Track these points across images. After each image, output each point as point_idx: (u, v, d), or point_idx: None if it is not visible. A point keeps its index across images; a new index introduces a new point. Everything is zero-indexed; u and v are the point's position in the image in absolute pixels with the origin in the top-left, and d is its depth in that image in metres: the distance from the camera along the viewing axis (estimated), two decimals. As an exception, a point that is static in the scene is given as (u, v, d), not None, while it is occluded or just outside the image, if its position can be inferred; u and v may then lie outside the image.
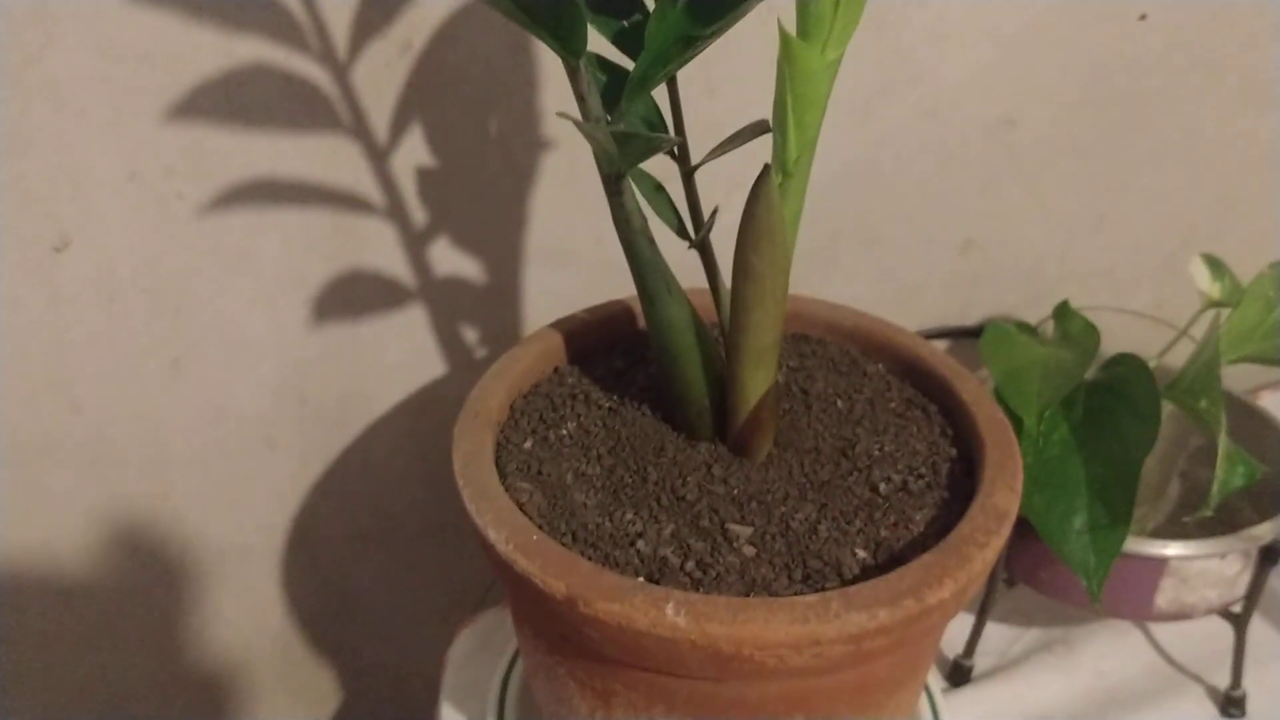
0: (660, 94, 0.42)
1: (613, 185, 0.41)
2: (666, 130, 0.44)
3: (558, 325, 0.53)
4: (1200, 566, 0.51)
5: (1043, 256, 0.71)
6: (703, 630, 0.36)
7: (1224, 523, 0.54)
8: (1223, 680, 0.57)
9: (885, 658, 0.40)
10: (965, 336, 0.71)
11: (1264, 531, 0.51)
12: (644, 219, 0.43)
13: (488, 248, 0.60)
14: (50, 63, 0.47)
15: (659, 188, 0.46)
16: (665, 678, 0.40)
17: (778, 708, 0.41)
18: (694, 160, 0.43)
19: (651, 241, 0.43)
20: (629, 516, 0.42)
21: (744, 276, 0.41)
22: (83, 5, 0.46)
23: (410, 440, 0.64)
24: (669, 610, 0.36)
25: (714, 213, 0.45)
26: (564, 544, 0.41)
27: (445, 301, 0.61)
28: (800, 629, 0.36)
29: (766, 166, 0.38)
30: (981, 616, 0.58)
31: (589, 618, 0.37)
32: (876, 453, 0.46)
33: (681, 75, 0.41)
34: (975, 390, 0.48)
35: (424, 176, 0.56)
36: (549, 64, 0.55)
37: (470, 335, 0.63)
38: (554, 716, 0.47)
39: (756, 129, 0.40)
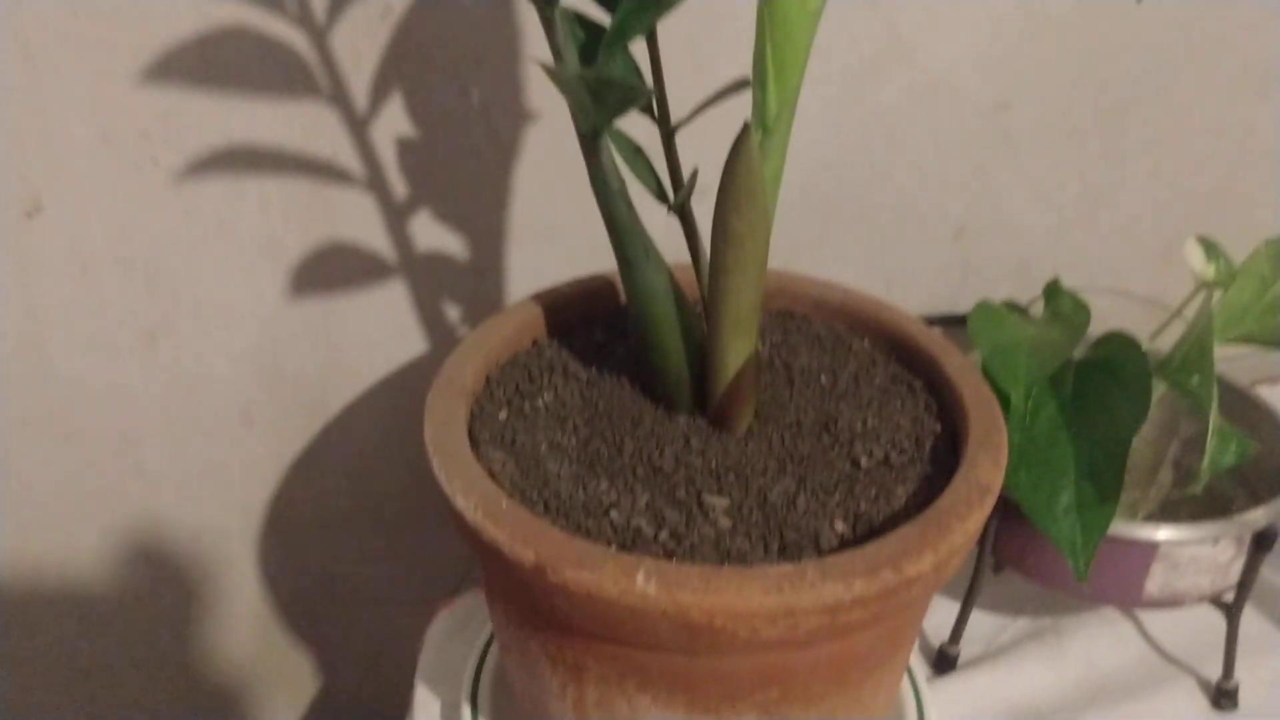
0: (642, 52, 0.41)
1: (590, 145, 0.40)
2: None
3: (537, 298, 0.52)
4: (1192, 552, 0.50)
5: (1036, 244, 0.70)
6: (674, 599, 0.35)
7: (1217, 508, 0.53)
8: (1215, 671, 0.56)
9: (863, 632, 0.39)
10: (957, 323, 0.70)
11: (1258, 517, 0.50)
12: (622, 181, 0.42)
13: (470, 221, 0.59)
14: (20, 19, 0.46)
15: (638, 150, 0.45)
16: (637, 651, 0.38)
17: (753, 683, 0.39)
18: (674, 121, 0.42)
19: (630, 205, 0.42)
20: (603, 486, 0.41)
21: (724, 239, 0.40)
22: (54, -40, 0.46)
23: (390, 417, 0.63)
24: (639, 578, 0.35)
25: (694, 174, 0.43)
26: (535, 513, 0.40)
27: (427, 276, 0.60)
28: (774, 599, 0.35)
29: (746, 124, 0.37)
30: (967, 603, 0.56)
31: (558, 586, 0.36)
32: (859, 427, 0.45)
33: (667, 53, 0.40)
34: (961, 366, 0.47)
35: (405, 146, 0.55)
36: (532, 30, 0.54)
37: (452, 311, 0.62)
38: (527, 694, 0.46)
39: (736, 85, 0.39)
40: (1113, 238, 0.72)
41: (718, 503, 0.41)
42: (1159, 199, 0.71)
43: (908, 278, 0.70)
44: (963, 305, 0.72)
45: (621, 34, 0.36)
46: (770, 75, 0.35)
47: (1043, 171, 0.68)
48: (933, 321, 0.69)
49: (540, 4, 0.36)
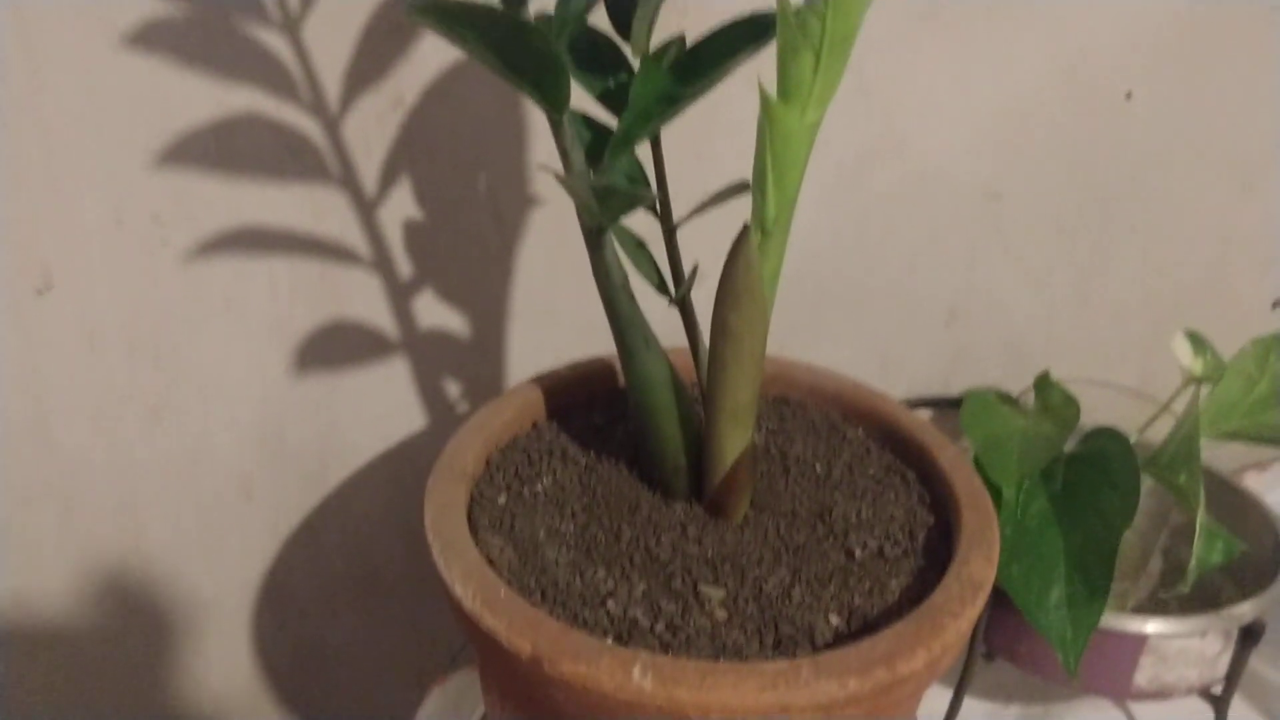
0: (645, 154, 0.43)
1: (594, 240, 0.41)
2: (649, 185, 0.45)
3: (538, 381, 0.52)
4: (1180, 645, 0.51)
5: (1027, 329, 0.72)
6: (670, 694, 0.35)
7: (1205, 600, 0.54)
8: (1204, 763, 0.56)
9: (856, 727, 0.39)
10: (949, 406, 0.71)
11: (1245, 611, 0.51)
12: (624, 274, 0.43)
13: (473, 302, 0.60)
14: (41, 106, 0.48)
15: (640, 244, 0.46)
16: (632, 742, 0.39)
17: (746, 776, 0.40)
18: (676, 219, 0.44)
19: (631, 297, 0.43)
20: (600, 575, 0.42)
21: (722, 334, 0.41)
22: (75, 50, 0.47)
23: (389, 492, 0.64)
24: (635, 673, 0.36)
25: (694, 270, 0.45)
26: (533, 602, 0.40)
27: (429, 354, 0.61)
28: (769, 695, 0.35)
29: (746, 225, 0.39)
30: (960, 691, 0.57)
31: (554, 679, 0.37)
32: (854, 518, 0.46)
33: (668, 138, 0.42)
34: (954, 458, 0.47)
35: (411, 229, 0.57)
36: (538, 122, 0.55)
37: (453, 388, 0.63)
38: (519, 781, 0.46)
39: (737, 188, 0.40)
40: (1102, 324, 0.73)
41: (714, 594, 0.41)
42: (1147, 288, 0.72)
43: (901, 360, 0.71)
44: (955, 387, 0.73)
45: (626, 140, 0.38)
46: (770, 182, 0.37)
47: (1033, 259, 0.69)
48: (926, 404, 0.71)
49: (548, 110, 0.37)
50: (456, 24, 0.32)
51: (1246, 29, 0.66)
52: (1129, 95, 0.65)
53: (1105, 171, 0.67)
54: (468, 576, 0.40)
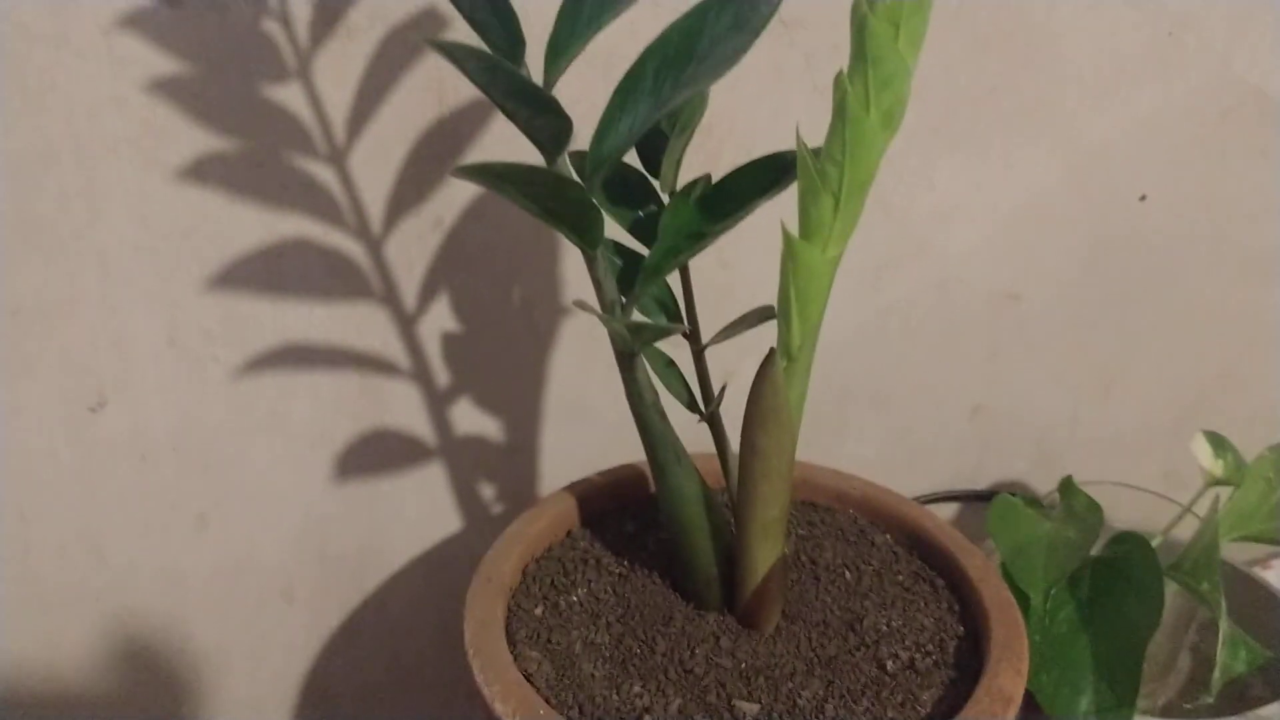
0: (674, 275, 0.45)
1: (626, 362, 0.43)
2: (679, 310, 0.47)
3: (571, 489, 0.54)
4: (1212, 748, 0.51)
5: (1051, 423, 0.73)
6: (705, 812, 0.36)
7: (1234, 698, 0.54)
8: None
9: (890, 843, 0.40)
10: (975, 500, 0.72)
11: (1274, 712, 0.51)
12: (655, 393, 0.45)
13: (507, 408, 0.62)
14: (98, 235, 0.50)
15: (670, 363, 0.48)
16: None
17: None
18: (704, 339, 0.45)
19: (662, 415, 0.45)
20: (636, 689, 0.43)
21: (751, 453, 0.43)
22: (130, 184, 0.50)
23: (425, 593, 0.65)
24: (672, 791, 0.37)
25: (722, 389, 0.46)
26: (570, 718, 0.41)
27: (465, 459, 0.62)
28: (803, 813, 0.36)
29: (772, 351, 0.40)
30: (994, 792, 0.57)
31: (593, 796, 0.38)
32: (884, 628, 0.47)
33: (698, 266, 0.44)
34: (981, 566, 0.48)
35: (449, 340, 0.59)
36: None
37: (487, 491, 0.64)
38: None
39: (761, 315, 0.42)
40: (1126, 419, 0.74)
41: (749, 709, 0.42)
42: (1169, 384, 0.73)
43: (927, 453, 0.72)
44: (981, 479, 0.74)
45: (656, 273, 0.40)
46: (794, 312, 0.39)
47: (1054, 357, 0.70)
48: (953, 498, 0.71)
49: (583, 248, 0.39)
50: (501, 181, 0.34)
51: (1257, 128, 0.67)
52: (1143, 197, 0.66)
53: (1122, 271, 0.69)
54: (507, 695, 0.41)
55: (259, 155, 0.51)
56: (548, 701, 0.42)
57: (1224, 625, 0.46)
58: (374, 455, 0.60)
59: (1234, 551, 0.62)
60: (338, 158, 0.52)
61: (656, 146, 0.43)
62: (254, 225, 0.52)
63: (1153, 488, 0.65)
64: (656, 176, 0.44)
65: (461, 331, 0.59)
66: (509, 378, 0.61)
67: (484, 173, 0.33)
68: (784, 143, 0.40)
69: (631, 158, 0.45)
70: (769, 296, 0.42)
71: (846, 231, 0.38)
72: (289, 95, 0.50)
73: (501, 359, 0.60)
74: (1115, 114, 0.64)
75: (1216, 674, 0.46)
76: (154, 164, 0.50)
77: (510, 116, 0.36)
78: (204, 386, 0.55)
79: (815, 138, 0.38)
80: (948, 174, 0.62)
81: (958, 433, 0.72)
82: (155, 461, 0.56)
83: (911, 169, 0.61)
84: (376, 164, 0.53)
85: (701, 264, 0.45)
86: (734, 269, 0.61)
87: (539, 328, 0.60)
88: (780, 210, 0.41)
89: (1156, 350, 0.72)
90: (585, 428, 0.64)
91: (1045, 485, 0.68)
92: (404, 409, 0.59)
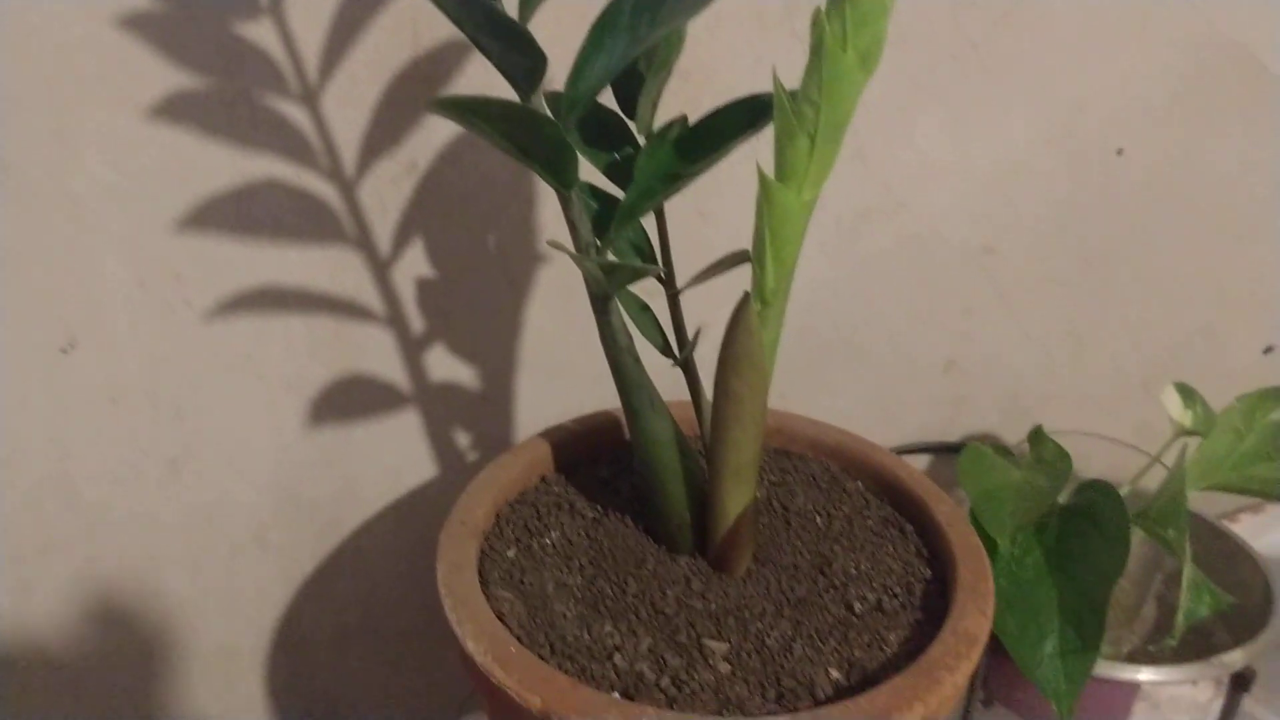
0: (649, 218, 0.45)
1: (600, 305, 0.43)
2: (654, 254, 0.47)
3: (546, 435, 0.54)
4: (1172, 692, 0.52)
5: (1023, 378, 0.73)
6: (674, 748, 0.37)
7: (1198, 647, 0.55)
8: (1200, 808, 0.57)
9: (855, 779, 0.40)
10: (947, 452, 0.73)
11: (1235, 659, 0.52)
12: (629, 338, 0.45)
13: (483, 355, 0.62)
14: (68, 176, 0.50)
15: (645, 307, 0.48)
16: (638, 795, 0.40)
17: (749, 827, 0.41)
18: (679, 284, 0.45)
19: (636, 359, 0.45)
20: (608, 629, 0.43)
21: (724, 397, 0.43)
22: (102, 124, 0.49)
23: (400, 540, 0.65)
24: (642, 727, 0.37)
25: (697, 334, 0.46)
26: (542, 656, 0.41)
27: (440, 406, 0.62)
28: (771, 749, 0.37)
29: (746, 295, 0.40)
30: (960, 736, 0.58)
31: (564, 732, 0.38)
32: (853, 571, 0.47)
33: (673, 200, 0.44)
34: (950, 512, 0.49)
35: (424, 287, 0.58)
36: (546, 185, 0.57)
37: (463, 439, 0.64)
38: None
39: (736, 258, 0.42)
40: (1098, 373, 0.75)
41: (717, 647, 0.43)
42: (1141, 339, 0.74)
43: (901, 407, 0.73)
44: (954, 433, 0.75)
45: (631, 215, 0.40)
46: (769, 256, 0.39)
47: (1028, 311, 0.71)
48: (925, 450, 0.72)
49: (557, 188, 0.39)
50: (474, 116, 0.34)
51: (1235, 85, 0.68)
52: (1120, 152, 0.67)
53: (1098, 226, 0.69)
54: (479, 633, 0.41)
55: (230, 95, 0.50)
56: (519, 640, 0.42)
57: (1188, 570, 0.47)
58: (349, 401, 0.60)
59: (1204, 505, 0.63)
60: (310, 98, 0.51)
61: (633, 88, 0.43)
62: (225, 167, 0.52)
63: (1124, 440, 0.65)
64: (633, 119, 0.44)
65: (437, 277, 0.58)
66: (485, 325, 0.61)
67: (456, 106, 0.33)
68: (762, 89, 0.40)
69: (609, 100, 0.44)
70: (748, 245, 0.42)
71: (822, 174, 0.38)
72: (261, 33, 0.50)
73: (477, 306, 0.60)
74: (1095, 70, 0.64)
75: (1180, 618, 0.47)
76: (125, 104, 0.49)
77: (484, 51, 0.36)
78: (175, 329, 0.55)
79: (794, 84, 0.38)
80: (926, 127, 0.62)
81: (932, 386, 0.72)
82: (126, 405, 0.56)
83: (891, 122, 0.61)
84: (349, 105, 0.52)
85: (680, 215, 0.45)
86: (712, 220, 0.61)
87: (515, 275, 0.60)
88: (762, 158, 0.41)
89: (1130, 306, 0.72)
90: (561, 376, 0.64)
91: (1017, 438, 0.68)
92: (379, 355, 0.59)
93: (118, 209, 0.51)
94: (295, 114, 0.51)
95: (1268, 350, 0.78)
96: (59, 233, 0.51)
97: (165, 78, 0.49)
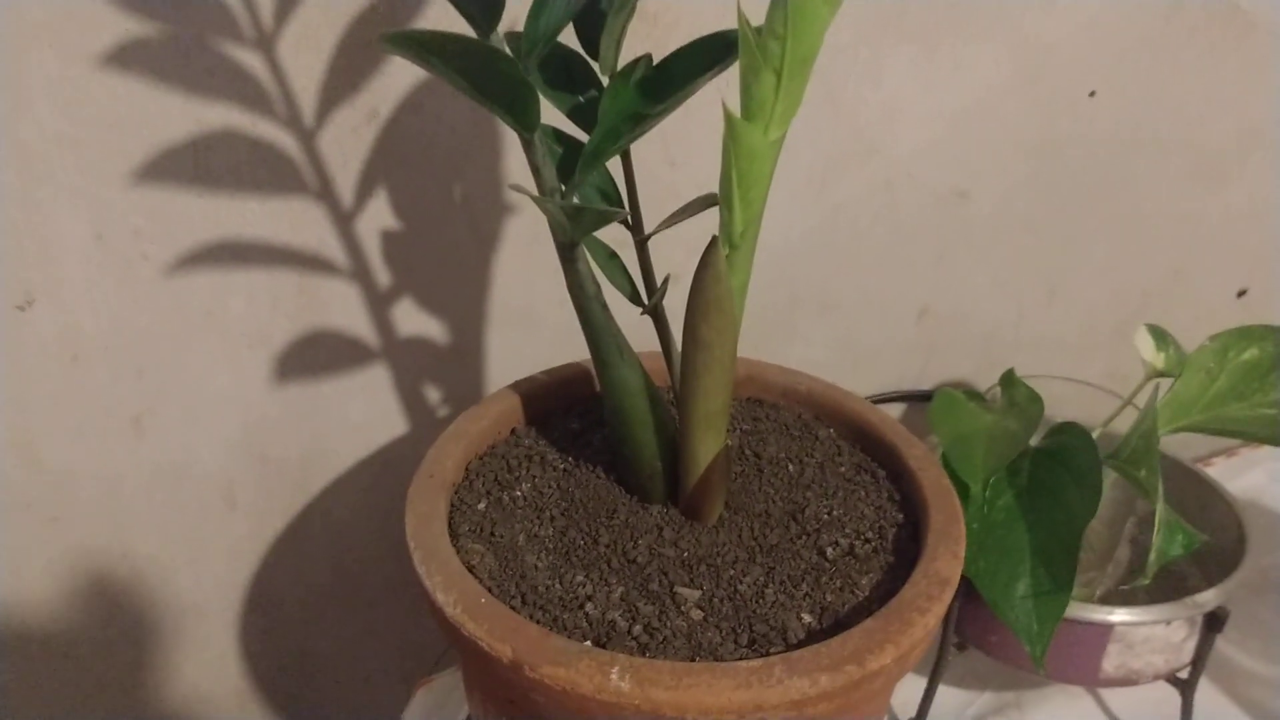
0: (615, 163, 0.44)
1: (567, 253, 0.42)
2: (621, 200, 0.46)
3: (515, 387, 0.54)
4: (1146, 633, 0.52)
5: (996, 325, 0.73)
6: (647, 695, 0.37)
7: (1171, 587, 0.55)
8: (1172, 745, 0.58)
9: (829, 721, 0.40)
10: (920, 400, 0.72)
11: (1208, 599, 0.52)
12: (597, 285, 0.44)
13: (451, 309, 0.61)
14: (20, 127, 0.48)
15: (613, 255, 0.47)
16: (612, 741, 0.40)
17: (723, 771, 0.41)
18: (646, 230, 0.45)
19: (604, 307, 0.44)
20: (579, 579, 0.43)
21: (694, 344, 0.42)
22: (53, 71, 0.47)
23: (371, 498, 0.65)
24: (613, 675, 0.37)
25: (665, 280, 0.46)
26: (513, 607, 0.41)
27: (408, 361, 0.61)
28: (744, 694, 0.37)
29: (714, 239, 0.40)
30: (933, 680, 0.58)
31: (535, 682, 0.38)
32: (825, 517, 0.47)
33: (642, 146, 0.43)
34: (922, 457, 0.49)
35: (388, 239, 0.57)
36: (512, 132, 0.56)
37: (433, 394, 0.64)
38: (504, 780, 0.47)
39: (704, 202, 0.42)
40: (1071, 318, 0.74)
41: (689, 595, 0.42)
42: (1114, 283, 0.74)
43: (874, 356, 0.72)
44: (927, 382, 0.75)
45: (596, 158, 0.39)
46: (736, 197, 0.38)
47: (1001, 256, 0.70)
48: (899, 398, 0.72)
49: (519, 131, 0.38)
50: (428, 52, 0.33)
51: (1206, 26, 0.67)
52: (1092, 94, 0.66)
53: (1070, 169, 0.68)
54: (449, 585, 0.41)
55: (184, 43, 0.49)
56: (490, 591, 0.41)
57: (1160, 509, 0.47)
58: (315, 357, 0.59)
59: (1177, 449, 0.63)
60: (266, 44, 0.50)
61: (596, 26, 0.42)
62: (180, 116, 0.50)
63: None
64: (597, 60, 0.43)
65: (401, 229, 0.57)
66: (452, 278, 0.60)
67: (411, 42, 0.32)
68: (731, 28, 0.39)
69: (572, 42, 0.43)
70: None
71: (789, 112, 0.37)
72: (213, -24, 0.48)
73: (444, 259, 0.59)
74: (1065, 10, 0.63)
75: (1152, 556, 0.47)
76: (77, 52, 0.48)
77: (440, -12, 0.35)
78: (135, 285, 0.53)
79: (761, 20, 0.37)
80: (896, 70, 0.61)
81: (905, 335, 0.72)
82: (87, 363, 0.54)
83: (860, 64, 0.60)
84: (306, 51, 0.51)
85: (648, 160, 0.44)
86: (681, 167, 0.60)
87: (481, 227, 0.59)
88: (728, 99, 0.40)
89: (1102, 251, 0.72)
90: (531, 330, 0.63)
91: (990, 385, 0.68)
92: (344, 309, 0.58)
93: (71, 161, 0.50)
94: (251, 61, 0.50)
95: (1241, 294, 0.78)
96: (11, 185, 0.49)
97: (115, 23, 0.48)
